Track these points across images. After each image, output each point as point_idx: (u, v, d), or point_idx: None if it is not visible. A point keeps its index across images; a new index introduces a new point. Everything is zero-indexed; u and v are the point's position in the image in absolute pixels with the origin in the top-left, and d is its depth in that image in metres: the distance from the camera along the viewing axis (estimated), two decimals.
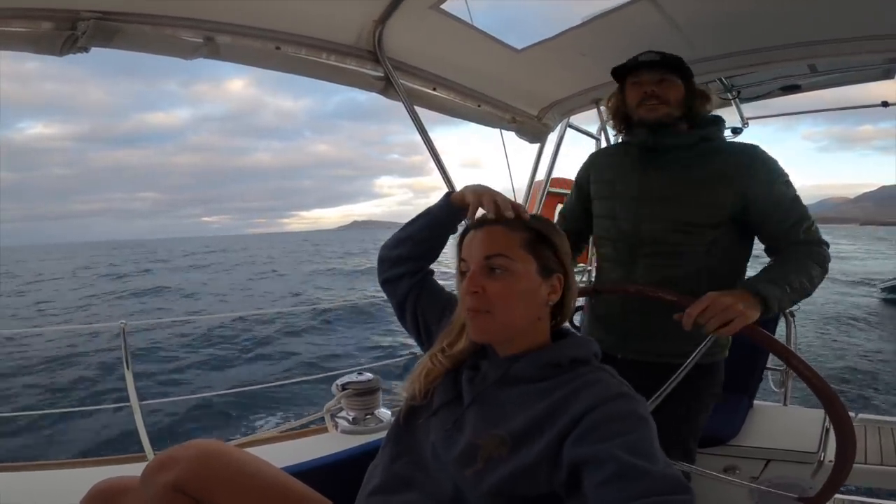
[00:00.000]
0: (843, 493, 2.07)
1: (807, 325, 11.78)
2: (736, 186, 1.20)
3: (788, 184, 1.21)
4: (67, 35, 1.11)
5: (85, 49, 1.16)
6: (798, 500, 1.06)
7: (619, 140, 1.43)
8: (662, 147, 1.26)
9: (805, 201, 1.22)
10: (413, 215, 1.04)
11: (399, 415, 0.92)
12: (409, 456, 0.85)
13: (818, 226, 1.19)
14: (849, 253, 39.82)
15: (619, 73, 1.31)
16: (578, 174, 1.50)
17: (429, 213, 1.02)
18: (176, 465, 0.80)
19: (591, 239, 1.50)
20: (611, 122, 1.39)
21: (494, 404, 0.80)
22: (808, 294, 1.14)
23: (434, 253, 1.03)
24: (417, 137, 1.74)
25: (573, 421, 0.71)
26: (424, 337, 1.00)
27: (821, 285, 1.16)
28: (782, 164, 1.22)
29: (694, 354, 1.09)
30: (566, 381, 0.78)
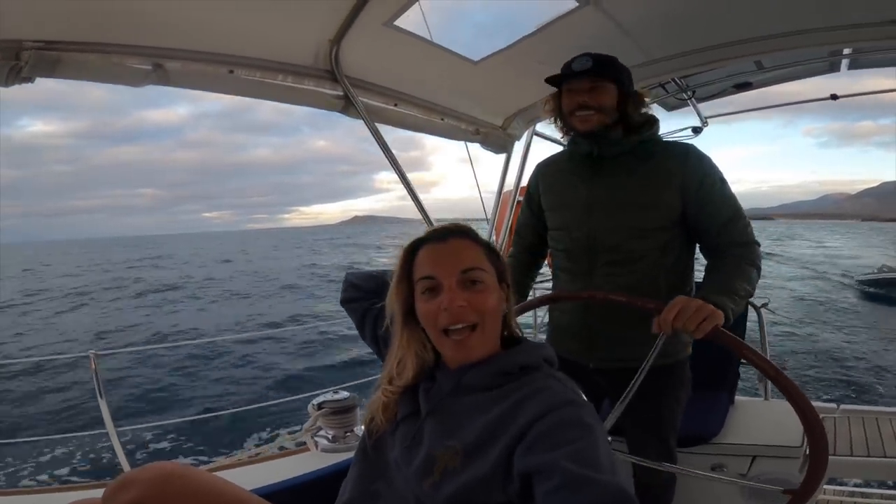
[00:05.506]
0: (834, 484, 2.06)
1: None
2: (675, 182, 1.22)
3: (723, 181, 1.24)
4: (12, 65, 1.09)
5: (29, 79, 1.14)
6: (784, 493, 1.04)
7: (564, 148, 1.44)
8: (606, 155, 1.28)
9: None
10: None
11: (364, 436, 0.92)
12: (375, 471, 0.87)
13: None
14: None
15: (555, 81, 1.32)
16: (528, 187, 1.50)
17: None
18: (135, 485, 0.79)
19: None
20: (554, 125, 1.39)
21: (449, 415, 0.81)
22: (749, 297, 1.16)
23: None
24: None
25: (522, 430, 0.71)
26: (383, 349, 1.01)
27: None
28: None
29: (648, 357, 1.08)
30: (515, 389, 0.78)
